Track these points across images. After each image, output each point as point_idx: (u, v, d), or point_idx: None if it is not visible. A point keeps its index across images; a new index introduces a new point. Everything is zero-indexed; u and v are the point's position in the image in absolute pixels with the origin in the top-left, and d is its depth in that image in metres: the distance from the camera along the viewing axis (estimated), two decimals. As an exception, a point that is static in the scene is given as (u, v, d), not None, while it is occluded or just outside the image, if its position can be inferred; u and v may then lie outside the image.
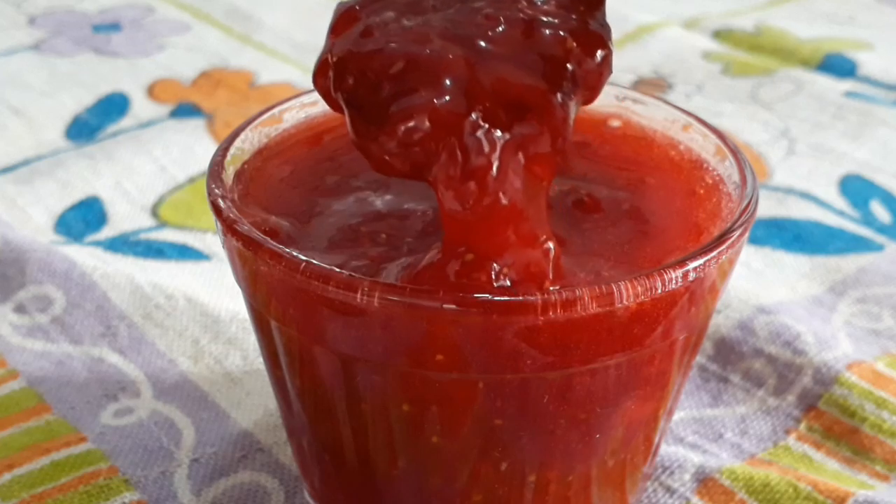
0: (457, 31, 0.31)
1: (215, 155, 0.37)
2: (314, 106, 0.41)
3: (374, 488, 0.37)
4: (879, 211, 0.59)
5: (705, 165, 0.39)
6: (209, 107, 0.68)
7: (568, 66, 0.31)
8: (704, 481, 0.42)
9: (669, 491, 0.42)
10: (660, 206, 0.37)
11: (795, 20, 0.82)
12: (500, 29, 0.31)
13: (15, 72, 0.74)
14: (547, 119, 0.30)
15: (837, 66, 0.74)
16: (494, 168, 0.30)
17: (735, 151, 0.38)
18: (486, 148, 0.30)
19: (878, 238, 0.56)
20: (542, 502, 0.36)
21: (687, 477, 0.42)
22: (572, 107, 0.31)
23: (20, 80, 0.72)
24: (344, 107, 0.31)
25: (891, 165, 0.63)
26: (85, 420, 0.44)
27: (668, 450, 0.43)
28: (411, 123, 0.30)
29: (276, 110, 0.40)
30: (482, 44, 0.31)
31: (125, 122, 0.67)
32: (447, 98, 0.30)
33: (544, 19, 0.32)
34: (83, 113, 0.68)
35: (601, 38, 0.32)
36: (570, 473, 0.36)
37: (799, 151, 0.64)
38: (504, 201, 0.31)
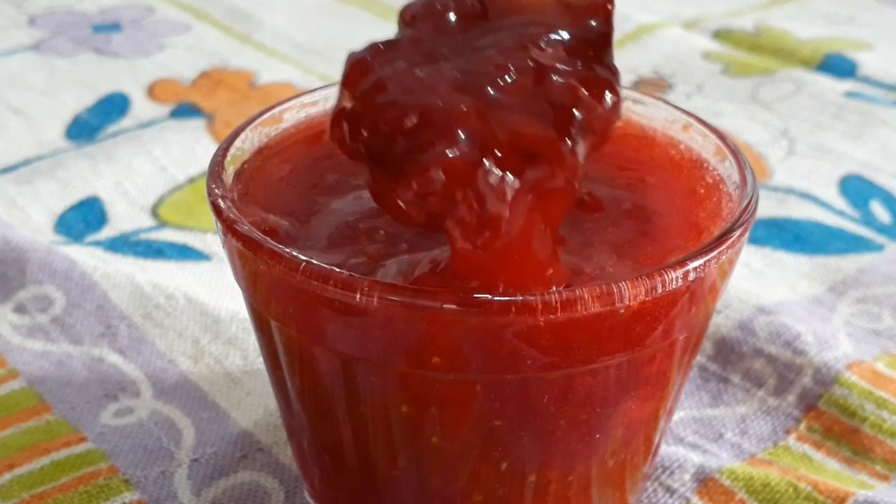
0: (468, 80, 0.32)
1: (215, 155, 0.37)
2: (314, 106, 0.41)
3: (374, 488, 0.37)
4: (879, 211, 0.59)
5: (705, 165, 0.39)
6: (209, 107, 0.69)
7: (578, 114, 0.31)
8: (704, 481, 0.42)
9: (669, 491, 0.42)
10: (660, 205, 0.37)
11: (795, 20, 0.82)
12: (511, 78, 0.32)
13: (15, 72, 0.74)
14: (557, 167, 0.31)
15: (837, 66, 0.74)
16: (507, 214, 0.30)
17: (735, 152, 0.38)
18: (500, 196, 0.30)
19: (879, 238, 0.56)
20: (542, 502, 0.36)
21: (687, 477, 0.42)
22: (581, 153, 0.31)
23: (20, 80, 0.72)
24: (364, 158, 0.31)
25: (891, 166, 0.63)
26: (85, 420, 0.44)
27: (668, 450, 0.43)
28: (426, 177, 0.30)
29: (276, 110, 0.40)
30: (493, 93, 0.31)
31: (125, 122, 0.67)
32: (461, 150, 0.30)
33: (554, 67, 0.32)
34: (83, 113, 0.68)
35: (610, 84, 0.32)
36: (571, 473, 0.36)
37: (799, 151, 0.64)
38: (515, 244, 0.31)
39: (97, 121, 0.67)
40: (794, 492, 0.41)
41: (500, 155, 0.30)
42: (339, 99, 0.32)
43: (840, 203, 0.60)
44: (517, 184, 0.30)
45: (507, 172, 0.30)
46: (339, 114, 0.32)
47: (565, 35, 0.33)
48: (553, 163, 0.31)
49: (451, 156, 0.30)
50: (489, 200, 0.30)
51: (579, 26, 0.33)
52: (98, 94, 0.70)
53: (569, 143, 0.31)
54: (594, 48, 0.33)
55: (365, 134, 0.31)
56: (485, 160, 0.30)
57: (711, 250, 0.33)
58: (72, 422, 0.44)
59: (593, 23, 0.33)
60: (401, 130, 0.30)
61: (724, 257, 0.33)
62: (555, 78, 0.32)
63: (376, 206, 0.36)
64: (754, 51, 0.77)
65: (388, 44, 0.33)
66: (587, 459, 0.36)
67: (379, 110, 0.31)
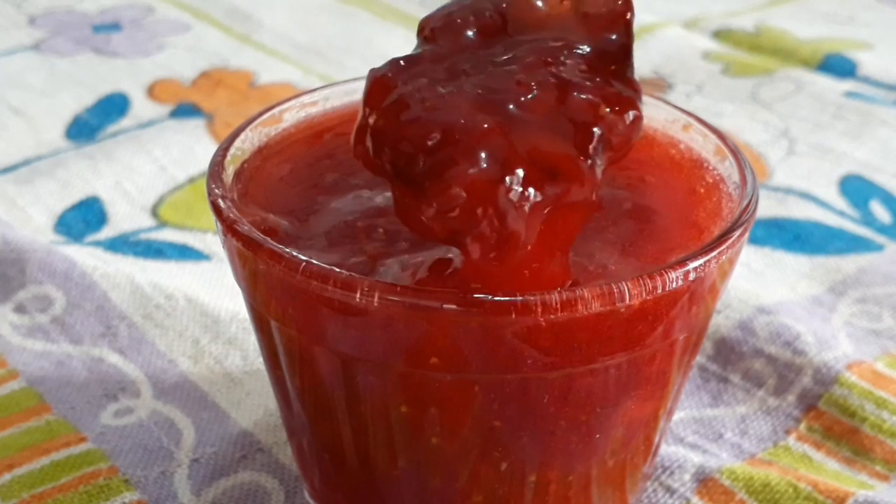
0: (489, 97, 0.32)
1: (215, 155, 0.37)
2: (314, 106, 0.41)
3: (374, 489, 0.37)
4: (879, 211, 0.59)
5: (705, 165, 0.39)
6: (209, 107, 0.69)
7: (598, 132, 0.32)
8: (704, 481, 0.42)
9: (669, 491, 0.42)
10: (660, 204, 0.37)
11: (795, 20, 0.82)
12: (532, 95, 0.32)
13: (15, 72, 0.74)
14: (576, 184, 0.31)
15: (837, 66, 0.74)
16: (525, 230, 0.31)
17: (735, 151, 0.38)
18: (519, 213, 0.30)
19: (878, 238, 0.56)
20: (542, 502, 0.36)
21: (687, 477, 0.42)
22: (600, 171, 0.32)
23: (20, 80, 0.72)
24: (388, 175, 0.32)
25: (891, 165, 0.63)
26: (85, 420, 0.44)
27: (668, 450, 0.43)
28: (448, 195, 0.30)
29: (275, 110, 0.40)
30: (515, 110, 0.32)
31: (125, 122, 0.67)
32: (482, 168, 0.30)
33: (575, 83, 0.32)
34: (83, 113, 0.68)
35: (633, 102, 0.32)
36: (571, 473, 0.36)
37: (799, 151, 0.65)
38: (530, 259, 0.31)
39: (97, 121, 0.67)
40: (794, 492, 0.41)
41: (520, 173, 0.30)
42: (362, 115, 0.32)
43: (840, 203, 0.60)
44: (537, 200, 0.31)
45: (528, 190, 0.30)
46: (361, 130, 0.32)
47: (586, 48, 0.33)
48: (572, 180, 0.31)
49: (472, 173, 0.30)
50: (509, 218, 0.30)
51: (599, 38, 0.34)
52: (98, 94, 0.70)
53: (588, 161, 0.31)
54: (615, 61, 0.33)
55: (388, 151, 0.31)
56: (506, 178, 0.30)
57: (711, 250, 0.33)
58: (72, 422, 0.44)
59: (613, 35, 0.34)
60: (423, 148, 0.30)
61: (724, 257, 0.33)
62: (576, 94, 0.32)
63: (376, 205, 0.36)
64: (754, 51, 0.78)
65: (408, 59, 0.33)
66: (587, 459, 0.36)
67: (401, 128, 0.31)
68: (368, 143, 0.31)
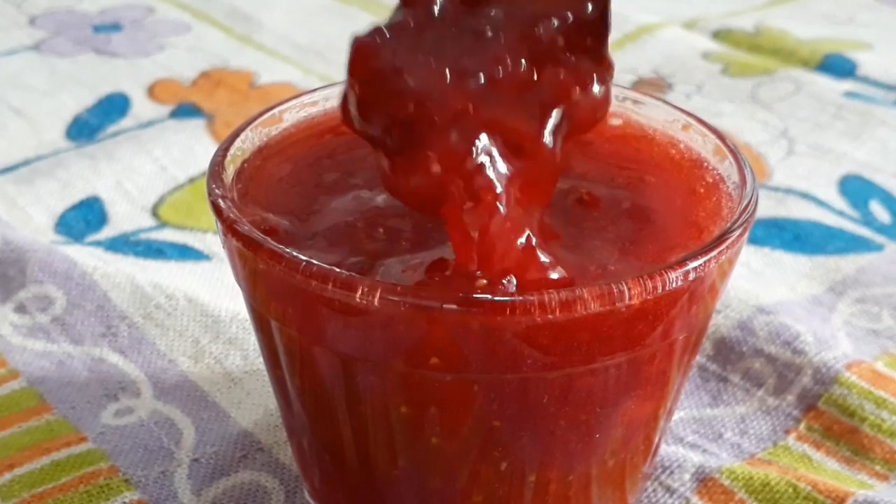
0: (465, 69, 0.32)
1: (216, 155, 0.37)
2: (314, 106, 0.41)
3: (374, 488, 0.37)
4: (879, 211, 0.59)
5: (705, 164, 0.39)
6: (209, 107, 0.69)
7: (560, 112, 0.33)
8: (704, 481, 0.42)
9: (669, 490, 0.42)
10: (660, 204, 0.37)
11: (795, 20, 0.82)
12: (506, 70, 0.33)
13: (15, 72, 0.74)
14: (537, 161, 0.32)
15: (837, 66, 0.74)
16: (497, 204, 0.32)
17: (735, 151, 0.38)
18: (488, 186, 0.31)
19: (878, 238, 0.57)
20: (542, 502, 0.36)
21: (687, 477, 0.42)
22: (560, 147, 0.33)
23: (21, 81, 0.72)
24: (373, 142, 0.33)
25: (890, 165, 0.63)
26: (85, 420, 0.44)
27: (667, 449, 0.43)
28: (419, 168, 0.31)
29: (276, 110, 0.41)
30: (488, 85, 0.32)
31: (125, 122, 0.67)
32: (453, 142, 0.31)
33: (549, 57, 0.33)
34: (83, 113, 0.68)
35: (602, 79, 0.33)
36: (570, 473, 0.36)
37: (798, 151, 0.65)
38: (506, 230, 0.32)
39: (97, 121, 0.67)
40: (793, 491, 0.41)
41: (491, 147, 0.31)
42: (347, 83, 0.33)
43: (839, 203, 0.60)
44: (504, 173, 0.31)
45: (496, 163, 0.31)
46: (345, 98, 0.33)
47: (565, 17, 0.34)
48: (534, 157, 0.32)
49: (444, 148, 0.31)
50: (480, 189, 0.31)
51: (578, 7, 0.34)
52: (98, 95, 0.70)
53: (550, 137, 0.32)
54: (592, 34, 0.34)
55: (367, 121, 0.32)
56: (475, 152, 0.31)
57: (711, 250, 0.33)
58: (72, 422, 0.44)
59: (590, 5, 0.34)
60: (397, 121, 0.31)
61: (723, 257, 0.33)
62: (548, 71, 0.33)
63: (376, 205, 0.36)
64: (754, 51, 0.78)
65: (391, 27, 0.33)
66: (587, 459, 0.36)
67: (380, 98, 0.32)
68: (353, 110, 0.32)
